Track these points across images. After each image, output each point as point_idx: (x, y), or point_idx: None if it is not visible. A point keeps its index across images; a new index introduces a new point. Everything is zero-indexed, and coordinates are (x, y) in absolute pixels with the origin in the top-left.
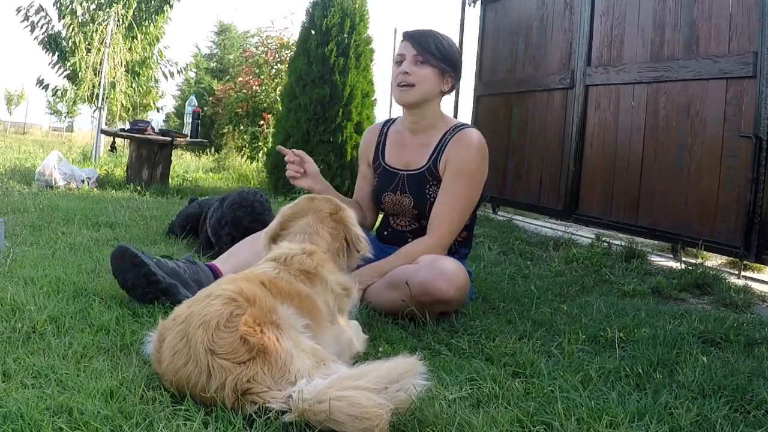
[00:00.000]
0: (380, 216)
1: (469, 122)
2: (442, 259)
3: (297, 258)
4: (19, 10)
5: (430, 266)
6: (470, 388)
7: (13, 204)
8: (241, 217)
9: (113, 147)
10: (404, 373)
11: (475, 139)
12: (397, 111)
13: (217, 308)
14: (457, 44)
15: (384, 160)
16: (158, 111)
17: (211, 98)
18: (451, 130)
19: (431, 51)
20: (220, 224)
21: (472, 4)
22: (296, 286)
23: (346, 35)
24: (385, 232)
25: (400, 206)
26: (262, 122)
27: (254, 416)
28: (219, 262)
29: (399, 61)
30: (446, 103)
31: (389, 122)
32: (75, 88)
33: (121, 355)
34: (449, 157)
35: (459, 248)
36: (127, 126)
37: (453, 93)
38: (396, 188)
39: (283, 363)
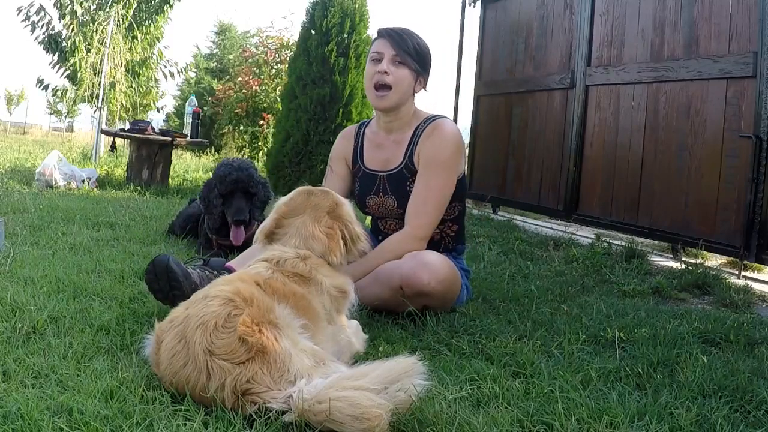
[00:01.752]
0: (368, 219)
1: (469, 122)
2: (426, 252)
3: (290, 261)
4: (19, 10)
5: (413, 258)
6: (470, 388)
7: (13, 204)
8: (226, 173)
9: (113, 147)
10: (404, 373)
11: (447, 128)
12: None
13: (215, 309)
14: (457, 44)
15: (363, 163)
16: (158, 111)
17: (211, 98)
18: (423, 123)
19: (409, 51)
20: (209, 188)
21: (472, 4)
22: (291, 287)
23: (346, 35)
24: (379, 237)
25: (385, 208)
26: (262, 122)
27: (254, 416)
28: (234, 264)
29: (377, 59)
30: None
31: (364, 124)
32: (75, 88)
33: (121, 355)
34: (421, 149)
35: (455, 245)
36: (127, 126)
37: (453, 93)
38: (378, 190)
39: (282, 363)
